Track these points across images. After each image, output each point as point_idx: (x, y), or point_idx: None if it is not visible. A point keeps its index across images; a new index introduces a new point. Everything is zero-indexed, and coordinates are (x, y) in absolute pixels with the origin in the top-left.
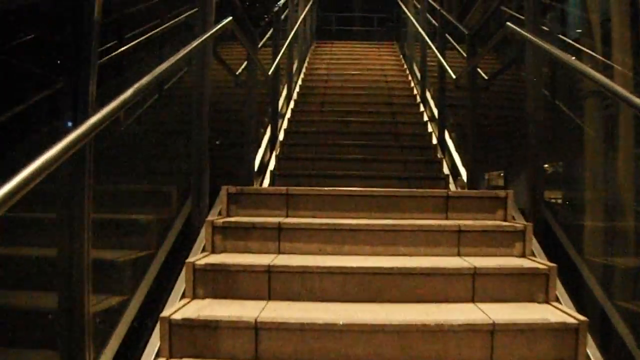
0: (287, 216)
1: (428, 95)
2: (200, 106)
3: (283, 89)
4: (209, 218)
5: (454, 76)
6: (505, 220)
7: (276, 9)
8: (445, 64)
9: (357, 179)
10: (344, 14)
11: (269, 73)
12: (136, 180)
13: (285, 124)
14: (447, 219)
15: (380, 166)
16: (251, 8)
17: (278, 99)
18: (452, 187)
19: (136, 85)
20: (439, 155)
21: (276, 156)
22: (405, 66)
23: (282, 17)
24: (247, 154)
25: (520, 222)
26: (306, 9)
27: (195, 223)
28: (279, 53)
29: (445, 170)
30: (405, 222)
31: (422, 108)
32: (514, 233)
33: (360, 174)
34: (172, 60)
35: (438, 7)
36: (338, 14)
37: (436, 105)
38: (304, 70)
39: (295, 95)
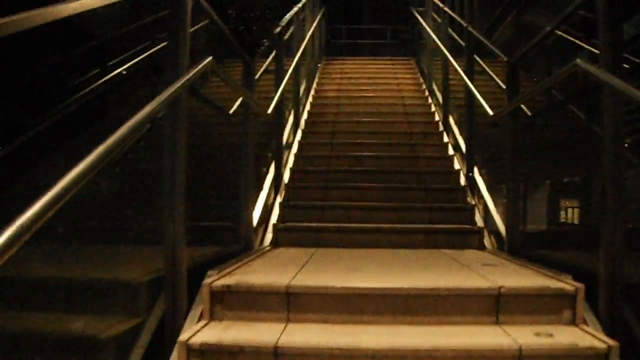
0: (288, 321)
1: (451, 120)
2: (172, 171)
3: (289, 116)
4: (182, 337)
5: (490, 112)
6: (573, 323)
7: (278, 29)
8: (477, 94)
9: (374, 233)
10: (355, 26)
11: (269, 111)
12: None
13: (291, 160)
14: (497, 323)
15: (401, 215)
16: (246, 32)
17: (282, 133)
18: (487, 243)
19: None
20: (469, 199)
21: (280, 203)
22: (424, 85)
23: (287, 36)
24: (242, 211)
25: (599, 338)
26: (314, 25)
27: (167, 336)
28: (282, 83)
29: (479, 220)
30: (445, 342)
31: (445, 138)
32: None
33: (377, 227)
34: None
35: (465, 24)
36: (348, 25)
37: (463, 137)
38: (312, 92)
39: (302, 124)
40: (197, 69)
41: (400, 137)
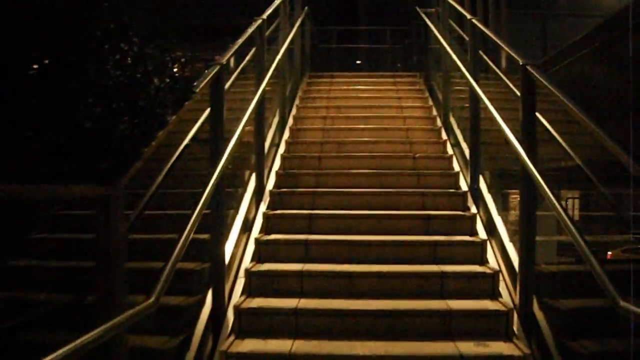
0: None
1: (488, 198)
2: None
3: (248, 181)
4: None
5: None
6: None
7: (223, 61)
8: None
9: None
10: (347, 27)
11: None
12: None
13: (241, 282)
14: None
15: None
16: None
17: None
18: None
19: None
20: None
21: None
22: (439, 120)
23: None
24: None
25: None
26: (291, 34)
27: None
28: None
29: None
30: None
31: (479, 224)
32: None
33: None
34: None
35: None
36: (339, 27)
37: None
38: (285, 136)
39: (264, 205)
40: None
41: (414, 224)
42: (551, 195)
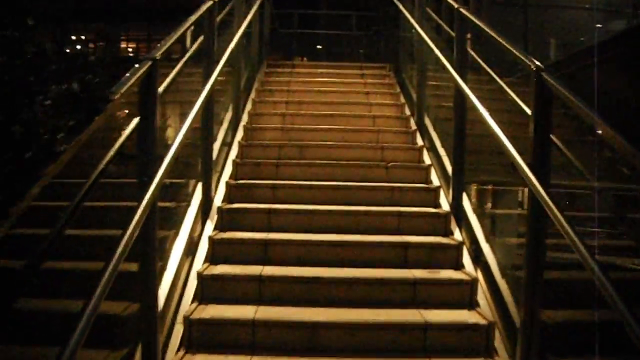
0: None
1: (474, 220)
2: None
3: (193, 193)
4: None
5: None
6: None
7: (156, 56)
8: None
9: None
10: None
11: None
12: None
13: (179, 330)
14: None
15: None
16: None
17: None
18: None
19: None
20: None
21: None
22: (412, 120)
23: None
24: None
25: None
26: (248, 18)
27: None
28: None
29: None
30: None
31: (465, 254)
32: None
33: None
34: None
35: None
36: (301, 10)
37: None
38: (240, 133)
39: (211, 224)
40: None
41: (384, 254)
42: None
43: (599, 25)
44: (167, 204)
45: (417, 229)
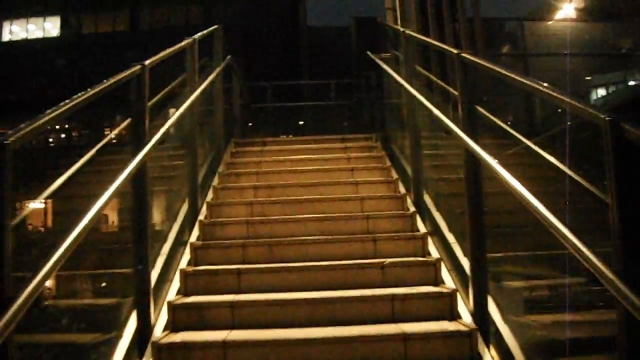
0: None
1: (497, 317)
2: None
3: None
4: None
5: None
6: None
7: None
8: None
9: None
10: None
11: None
12: None
13: None
14: None
15: None
16: None
17: None
18: None
19: None
20: None
21: None
22: (408, 199)
23: None
24: None
25: None
26: (197, 91)
27: None
28: None
29: None
30: None
31: None
32: None
33: None
34: None
35: None
36: (274, 82)
37: None
38: (195, 232)
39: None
40: None
41: None
42: None
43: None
44: None
45: (433, 356)
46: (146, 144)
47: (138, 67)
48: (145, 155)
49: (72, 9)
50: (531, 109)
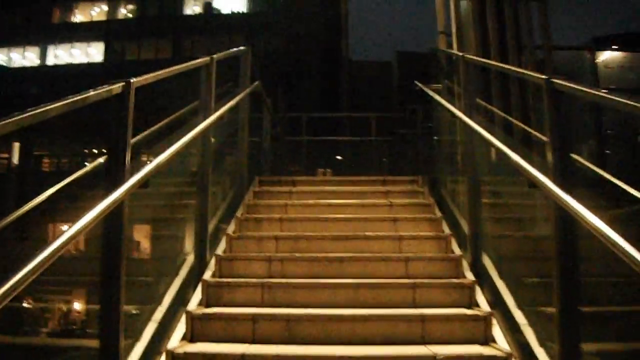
0: None
1: None
2: None
3: None
4: None
5: None
6: None
7: None
8: None
9: None
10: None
11: None
12: None
13: None
14: None
15: None
16: None
17: None
18: None
19: None
20: None
21: None
22: (464, 261)
23: None
24: None
25: None
26: (210, 119)
27: None
28: None
29: None
30: None
31: None
32: None
33: None
34: None
35: None
36: (309, 113)
37: None
38: (197, 295)
39: None
40: None
41: None
42: None
43: None
44: None
45: None
46: (124, 182)
47: (118, 85)
48: (114, 202)
49: (115, 35)
50: None
